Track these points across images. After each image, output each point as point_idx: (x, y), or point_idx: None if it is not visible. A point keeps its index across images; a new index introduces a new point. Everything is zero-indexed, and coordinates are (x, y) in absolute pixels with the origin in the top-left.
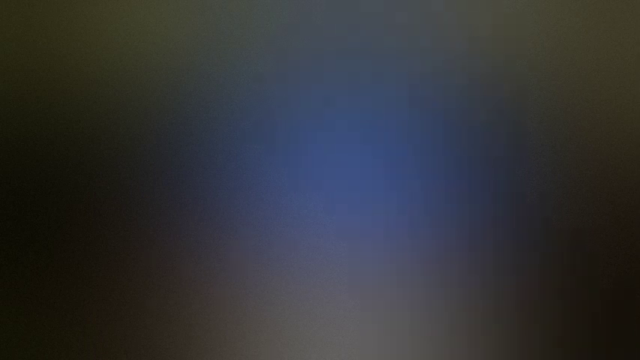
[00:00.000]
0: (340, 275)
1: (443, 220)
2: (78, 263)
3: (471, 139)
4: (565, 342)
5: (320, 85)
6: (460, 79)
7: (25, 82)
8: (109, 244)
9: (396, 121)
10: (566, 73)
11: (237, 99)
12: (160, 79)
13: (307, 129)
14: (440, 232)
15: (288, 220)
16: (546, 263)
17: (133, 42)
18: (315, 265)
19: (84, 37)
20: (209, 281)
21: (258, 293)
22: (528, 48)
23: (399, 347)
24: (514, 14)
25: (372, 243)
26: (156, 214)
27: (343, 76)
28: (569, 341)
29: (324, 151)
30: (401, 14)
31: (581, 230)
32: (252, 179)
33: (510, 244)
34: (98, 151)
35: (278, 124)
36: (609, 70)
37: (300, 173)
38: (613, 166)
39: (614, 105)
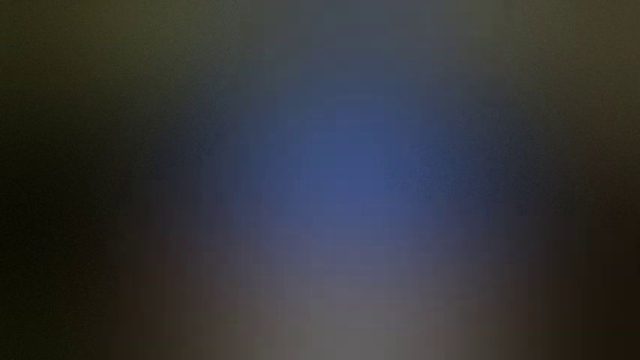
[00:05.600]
0: (342, 275)
1: (446, 221)
2: (77, 262)
3: (474, 141)
4: (568, 341)
5: (322, 85)
6: (463, 80)
7: (26, 82)
8: (108, 243)
9: (399, 123)
10: (568, 72)
11: (238, 99)
12: (161, 79)
13: (309, 129)
14: (442, 233)
15: (289, 220)
16: (549, 263)
17: (133, 42)
18: (316, 265)
19: (83, 38)
20: (210, 281)
21: (260, 293)
22: (530, 48)
23: (403, 348)
24: (517, 15)
25: (376, 243)
26: (156, 213)
27: (346, 76)
28: (571, 340)
29: (326, 152)
30: (403, 15)
31: (583, 230)
32: (254, 179)
33: (514, 244)
34: (98, 152)
35: (280, 124)
36: (611, 70)
37: (301, 173)
38: (616, 165)
39: (616, 105)
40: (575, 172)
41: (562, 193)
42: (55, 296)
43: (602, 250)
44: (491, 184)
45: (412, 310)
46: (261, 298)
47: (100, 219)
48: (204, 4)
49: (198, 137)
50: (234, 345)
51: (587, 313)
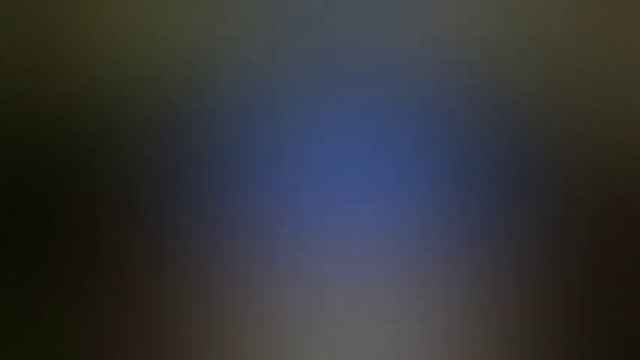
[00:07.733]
0: (343, 275)
1: (446, 220)
2: (77, 262)
3: (474, 141)
4: (567, 340)
5: (322, 85)
6: (463, 80)
7: (26, 82)
8: (108, 243)
9: (399, 123)
10: (568, 72)
11: (238, 99)
12: (161, 79)
13: (309, 129)
14: (443, 232)
15: (290, 220)
16: (549, 263)
17: (133, 42)
18: (318, 264)
19: (83, 38)
20: (211, 281)
21: (262, 293)
22: (530, 48)
23: (406, 347)
24: (517, 15)
25: (376, 243)
26: (156, 213)
27: (347, 76)
28: (571, 340)
29: (327, 152)
30: (404, 15)
31: (583, 229)
32: (254, 180)
33: (514, 244)
34: (98, 152)
35: (280, 125)
36: (611, 70)
37: (301, 173)
38: (616, 165)
39: (616, 105)
40: (575, 172)
41: (562, 193)
42: (55, 296)
43: (602, 249)
44: (491, 184)
45: (413, 309)
46: (264, 298)
47: (100, 219)
48: (204, 4)
49: (198, 137)
50: (234, 344)
51: (587, 313)
